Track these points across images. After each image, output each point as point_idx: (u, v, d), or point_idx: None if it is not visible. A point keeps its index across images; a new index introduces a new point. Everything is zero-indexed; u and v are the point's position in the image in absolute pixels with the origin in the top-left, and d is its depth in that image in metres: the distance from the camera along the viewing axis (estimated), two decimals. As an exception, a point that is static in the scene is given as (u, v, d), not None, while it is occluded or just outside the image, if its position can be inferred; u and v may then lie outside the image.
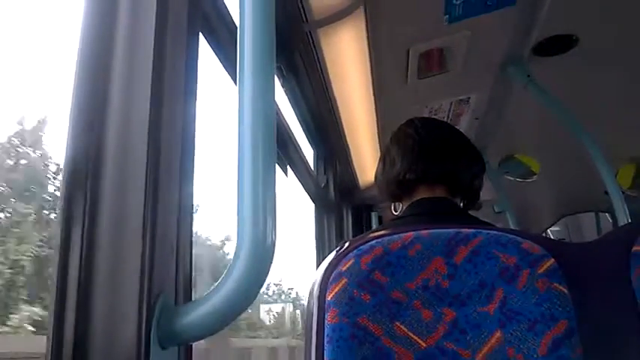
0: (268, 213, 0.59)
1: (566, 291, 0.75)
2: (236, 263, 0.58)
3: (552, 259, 0.77)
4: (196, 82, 0.75)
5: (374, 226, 3.31)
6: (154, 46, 0.64)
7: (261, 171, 0.59)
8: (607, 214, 3.64)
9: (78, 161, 0.62)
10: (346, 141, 2.35)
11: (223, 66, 1.19)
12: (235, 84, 0.63)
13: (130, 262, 0.58)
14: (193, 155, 0.72)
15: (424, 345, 0.75)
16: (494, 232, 0.81)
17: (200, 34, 0.81)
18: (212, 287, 0.59)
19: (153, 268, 0.59)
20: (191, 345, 0.67)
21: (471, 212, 1.26)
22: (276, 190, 0.60)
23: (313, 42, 1.50)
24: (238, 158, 0.60)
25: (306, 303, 0.84)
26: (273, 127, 0.62)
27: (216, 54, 1.16)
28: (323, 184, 2.49)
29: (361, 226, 3.35)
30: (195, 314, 0.59)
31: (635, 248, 0.77)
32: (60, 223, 0.60)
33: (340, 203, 2.80)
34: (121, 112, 0.63)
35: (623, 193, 2.30)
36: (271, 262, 0.59)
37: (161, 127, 0.64)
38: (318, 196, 2.42)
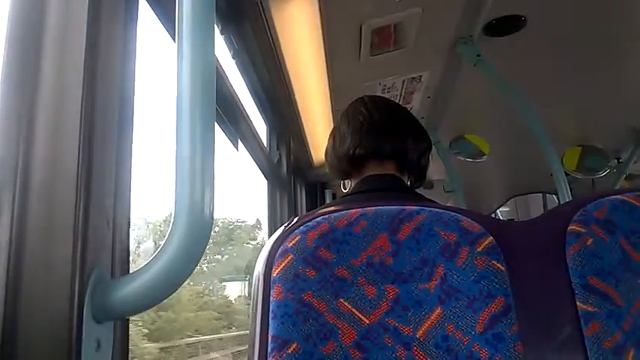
0: (206, 184, 0.57)
1: (504, 269, 0.76)
2: (173, 236, 0.57)
3: (491, 237, 0.78)
4: (135, 43, 0.72)
5: (327, 203, 3.32)
6: (89, 4, 0.61)
7: (199, 139, 0.58)
8: (554, 195, 3.76)
9: (9, 126, 0.59)
10: (300, 117, 2.34)
11: (161, 22, 1.14)
12: (174, 41, 0.61)
13: (62, 234, 0.56)
14: (132, 120, 0.70)
15: (367, 322, 0.76)
16: (437, 209, 0.82)
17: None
18: (148, 260, 0.57)
19: (86, 240, 0.57)
20: (128, 319, 0.65)
21: (423, 191, 1.28)
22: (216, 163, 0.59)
23: (264, 13, 1.47)
24: (176, 125, 0.58)
25: (252, 278, 0.83)
26: (212, 92, 0.60)
27: (152, 8, 1.11)
28: (276, 160, 2.47)
29: (315, 203, 3.37)
30: (130, 287, 0.58)
31: (571, 227, 0.79)
32: None
33: (294, 180, 2.80)
34: (53, 72, 0.60)
35: (568, 175, 2.38)
36: (209, 235, 0.58)
37: (96, 89, 0.61)
38: (270, 172, 2.41)
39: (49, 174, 0.58)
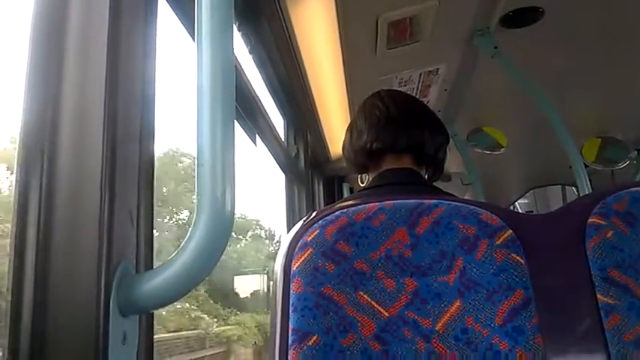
0: (227, 180, 0.58)
1: (523, 261, 0.76)
2: (196, 231, 0.58)
3: (510, 231, 0.78)
4: (155, 42, 0.73)
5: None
6: (110, 4, 0.62)
7: (220, 136, 0.59)
8: (573, 187, 3.71)
9: (35, 126, 0.60)
10: (317, 111, 2.34)
11: (180, 21, 1.15)
12: (193, 39, 0.62)
13: (88, 229, 0.57)
14: (154, 116, 0.71)
15: (386, 314, 0.76)
16: (455, 203, 0.82)
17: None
18: (172, 255, 0.59)
19: (112, 235, 0.58)
20: (152, 313, 0.67)
21: (441, 184, 1.28)
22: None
23: (281, 8, 1.48)
24: (197, 123, 0.59)
25: (272, 273, 0.84)
26: (232, 90, 0.61)
27: (171, 7, 1.12)
28: (294, 154, 2.48)
29: (333, 197, 3.36)
30: (155, 282, 0.59)
31: (590, 219, 0.79)
32: (17, 189, 0.59)
33: (311, 174, 2.80)
34: (76, 72, 0.61)
35: (587, 166, 2.36)
36: (231, 230, 0.59)
37: (118, 87, 0.62)
38: (288, 166, 2.42)
39: (74, 170, 0.59)
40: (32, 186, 0.58)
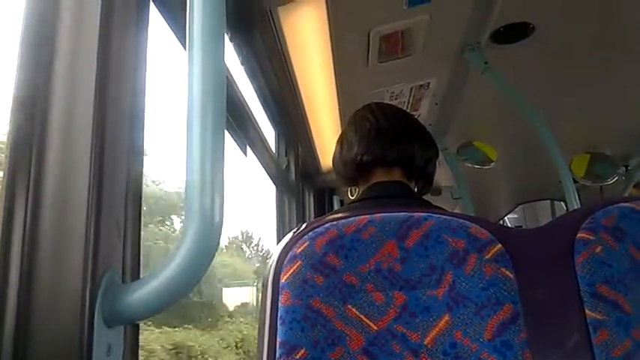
0: (216, 190, 0.58)
1: (512, 276, 0.76)
2: (184, 241, 0.57)
3: (499, 245, 0.78)
4: (146, 50, 0.73)
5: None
6: (101, 14, 0.62)
7: (210, 146, 0.59)
8: (562, 202, 3.74)
9: (22, 133, 0.60)
10: (308, 123, 2.34)
11: (172, 30, 1.15)
12: (185, 49, 0.62)
13: (74, 238, 0.57)
14: (143, 127, 0.70)
15: (375, 328, 0.76)
16: (445, 216, 0.82)
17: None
18: (159, 266, 0.58)
19: (98, 245, 0.58)
20: (138, 324, 0.66)
21: (431, 198, 1.28)
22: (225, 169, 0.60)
23: (273, 20, 1.48)
24: (187, 131, 0.59)
25: (261, 284, 0.84)
26: (223, 100, 0.61)
27: (163, 16, 1.12)
28: (284, 166, 2.48)
29: (323, 209, 3.36)
30: (141, 292, 0.58)
31: (579, 234, 0.79)
32: (3, 197, 0.58)
33: (302, 186, 2.80)
34: (65, 78, 0.61)
35: (576, 182, 2.37)
36: (219, 241, 0.59)
37: (108, 96, 0.62)
38: (279, 177, 2.41)
39: (60, 179, 0.58)
40: (19, 194, 0.58)
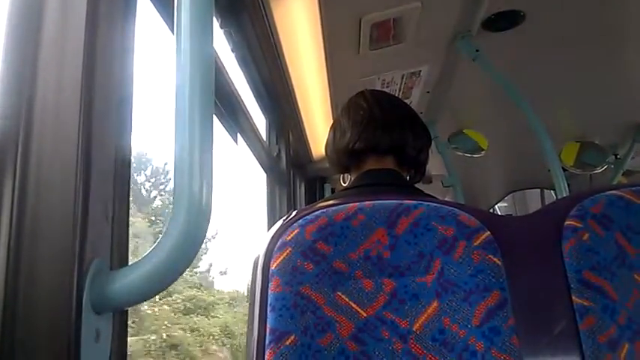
0: (205, 176, 0.58)
1: (500, 263, 0.77)
2: (172, 228, 0.57)
3: (488, 232, 0.79)
4: (134, 37, 0.72)
5: (326, 198, 3.31)
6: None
7: (198, 132, 0.58)
8: (552, 191, 3.75)
9: (8, 120, 0.59)
10: (299, 111, 2.34)
11: (160, 15, 1.13)
12: (173, 34, 0.61)
13: (61, 225, 0.56)
14: (131, 114, 0.70)
15: (364, 315, 0.76)
16: (435, 204, 0.82)
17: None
18: (148, 251, 0.58)
19: (86, 232, 0.57)
20: (126, 310, 0.66)
21: (422, 186, 1.28)
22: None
23: (264, 7, 1.47)
24: (175, 118, 0.59)
25: (251, 271, 0.84)
26: (211, 86, 0.61)
27: (153, 3, 1.10)
28: (275, 154, 2.47)
29: (314, 197, 3.36)
30: (129, 279, 0.58)
31: (567, 222, 0.80)
32: None
33: (293, 174, 2.79)
34: (51, 69, 0.60)
35: (565, 170, 2.38)
36: (207, 226, 0.58)
37: (95, 86, 0.61)
38: (270, 166, 2.41)
39: (47, 166, 0.58)
40: (5, 181, 0.57)
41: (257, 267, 0.80)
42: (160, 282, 0.58)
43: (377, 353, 0.74)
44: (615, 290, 0.76)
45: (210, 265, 12.94)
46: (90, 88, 0.60)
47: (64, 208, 0.57)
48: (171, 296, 9.65)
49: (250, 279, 0.84)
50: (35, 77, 0.60)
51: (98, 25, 0.63)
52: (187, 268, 0.59)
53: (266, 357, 0.73)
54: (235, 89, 1.70)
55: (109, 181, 0.64)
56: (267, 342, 0.74)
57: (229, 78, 1.64)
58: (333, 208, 0.82)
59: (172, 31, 0.62)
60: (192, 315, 10.34)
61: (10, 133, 0.58)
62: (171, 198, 0.59)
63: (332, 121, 1.37)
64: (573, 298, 0.75)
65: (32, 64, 0.60)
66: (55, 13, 0.62)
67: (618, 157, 3.07)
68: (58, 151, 0.58)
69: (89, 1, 0.62)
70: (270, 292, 0.77)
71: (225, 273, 13.79)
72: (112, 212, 0.64)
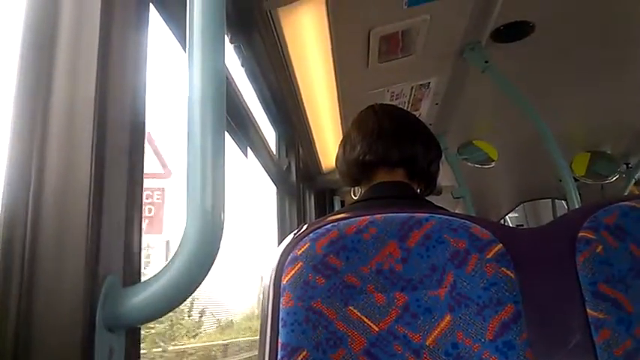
0: (217, 192, 0.58)
1: (513, 275, 0.76)
2: (184, 244, 0.57)
3: (500, 244, 0.78)
4: (146, 52, 0.73)
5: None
6: (101, 16, 0.62)
7: (210, 147, 0.58)
8: (563, 201, 3.73)
9: (23, 138, 0.59)
10: (308, 124, 2.34)
11: (172, 32, 1.14)
12: (185, 50, 0.62)
13: (75, 243, 0.56)
14: (144, 129, 0.70)
15: (377, 329, 0.76)
16: (446, 216, 0.82)
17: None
18: (160, 269, 0.58)
19: (99, 249, 0.57)
20: (139, 328, 0.66)
21: (432, 197, 1.28)
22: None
23: (273, 22, 1.48)
24: (187, 133, 0.59)
25: (262, 286, 0.84)
26: (223, 101, 0.61)
27: (163, 18, 1.11)
28: (285, 167, 2.47)
29: (324, 210, 3.35)
30: (142, 296, 0.58)
31: (580, 233, 0.79)
32: (3, 201, 0.58)
33: (302, 187, 2.79)
34: (65, 81, 0.60)
35: (577, 180, 2.37)
36: (220, 243, 0.58)
37: (108, 98, 0.62)
38: (279, 179, 2.41)
39: (61, 183, 0.58)
40: (19, 197, 0.58)
41: (268, 281, 0.80)
42: (173, 299, 0.58)
43: None
44: (631, 302, 0.75)
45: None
46: (103, 101, 0.61)
47: (77, 225, 0.57)
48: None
49: (262, 294, 0.84)
50: (50, 89, 0.60)
51: (111, 40, 0.64)
52: (201, 283, 0.59)
53: None
54: (245, 103, 1.71)
55: (122, 195, 0.64)
56: (279, 357, 0.74)
57: (239, 92, 1.64)
58: (344, 221, 0.81)
59: (184, 49, 0.62)
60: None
61: (25, 146, 0.59)
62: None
63: (341, 133, 1.38)
64: (588, 310, 0.75)
65: (47, 76, 0.61)
66: (68, 24, 0.62)
67: (630, 165, 3.05)
68: (72, 166, 0.58)
69: (102, 16, 0.62)
70: (281, 306, 0.76)
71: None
72: (125, 227, 0.64)
